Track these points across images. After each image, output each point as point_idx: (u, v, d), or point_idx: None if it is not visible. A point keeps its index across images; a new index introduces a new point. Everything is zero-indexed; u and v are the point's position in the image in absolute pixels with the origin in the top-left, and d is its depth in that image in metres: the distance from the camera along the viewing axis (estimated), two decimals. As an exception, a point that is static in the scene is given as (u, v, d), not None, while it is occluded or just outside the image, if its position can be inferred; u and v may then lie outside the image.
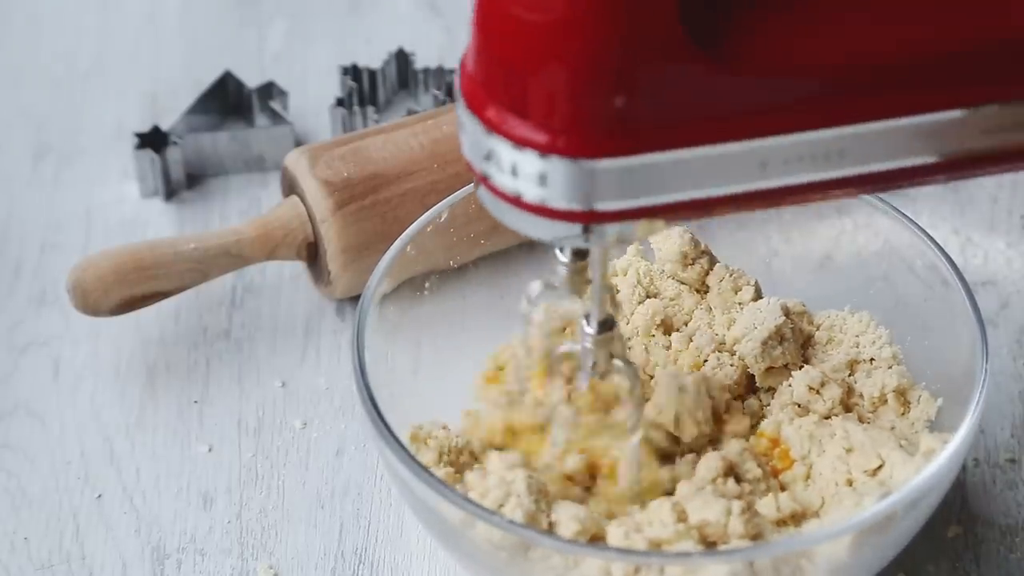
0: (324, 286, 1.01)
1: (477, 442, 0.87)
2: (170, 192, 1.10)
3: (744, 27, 0.71)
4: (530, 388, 0.86)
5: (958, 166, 0.75)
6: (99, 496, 0.93)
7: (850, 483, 0.84)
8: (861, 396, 0.89)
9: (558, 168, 0.71)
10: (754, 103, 0.72)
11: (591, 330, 0.80)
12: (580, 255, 0.79)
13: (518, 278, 0.95)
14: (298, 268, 1.04)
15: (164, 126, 1.12)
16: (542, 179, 0.71)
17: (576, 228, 0.72)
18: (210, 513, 0.93)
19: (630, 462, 0.83)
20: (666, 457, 0.86)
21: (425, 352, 0.91)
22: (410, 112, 1.11)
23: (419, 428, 0.86)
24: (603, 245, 0.75)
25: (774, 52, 0.72)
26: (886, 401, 0.89)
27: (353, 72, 1.13)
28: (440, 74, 1.14)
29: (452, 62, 1.17)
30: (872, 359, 0.90)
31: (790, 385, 0.89)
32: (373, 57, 1.17)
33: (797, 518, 0.84)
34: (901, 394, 0.89)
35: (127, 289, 0.97)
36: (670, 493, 0.84)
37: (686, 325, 0.93)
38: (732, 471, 0.84)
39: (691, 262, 0.93)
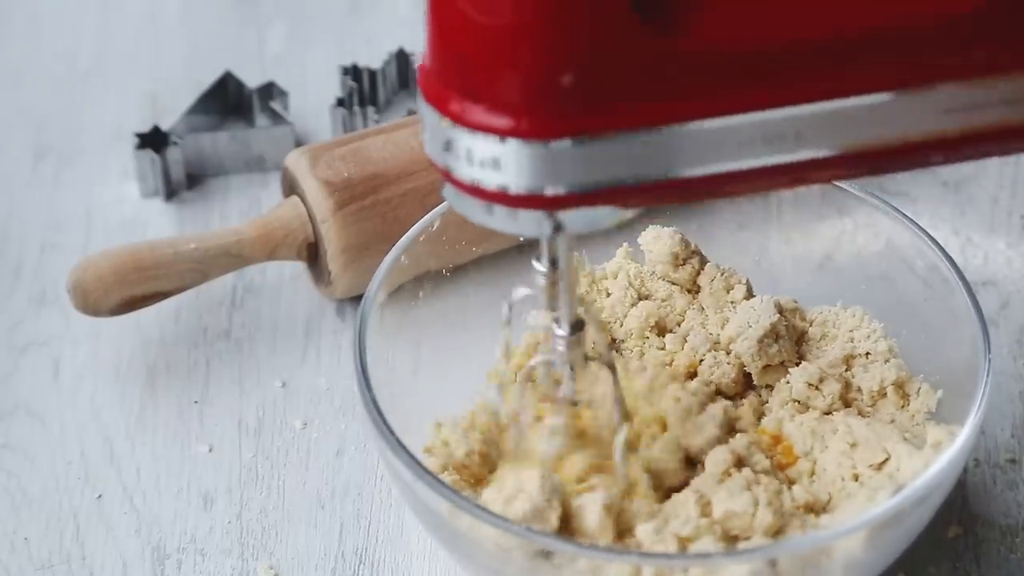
0: (324, 286, 1.01)
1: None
2: (170, 192, 1.10)
3: (691, 2, 0.71)
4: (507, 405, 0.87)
5: (917, 150, 0.74)
6: (99, 496, 0.93)
7: (856, 478, 0.84)
8: (859, 390, 0.89)
9: (515, 151, 0.70)
10: (703, 82, 0.71)
11: (563, 332, 0.80)
12: (556, 264, 0.79)
13: (518, 278, 0.95)
14: (298, 268, 1.04)
15: (164, 126, 1.12)
16: (500, 164, 0.71)
17: (539, 217, 0.72)
18: (210, 513, 0.92)
19: (619, 460, 0.83)
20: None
21: (425, 353, 0.91)
22: (410, 112, 1.11)
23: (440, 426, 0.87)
24: (570, 233, 0.74)
25: (721, 27, 0.71)
26: (885, 394, 0.89)
27: (353, 72, 1.13)
28: (440, 74, 1.14)
29: (452, 62, 1.17)
30: (868, 353, 0.90)
31: (788, 382, 0.89)
32: (373, 57, 1.17)
33: (812, 510, 0.83)
34: (900, 387, 0.89)
35: (127, 289, 0.97)
36: (675, 489, 0.84)
37: (679, 326, 0.93)
38: (742, 464, 0.84)
39: (682, 262, 0.93)
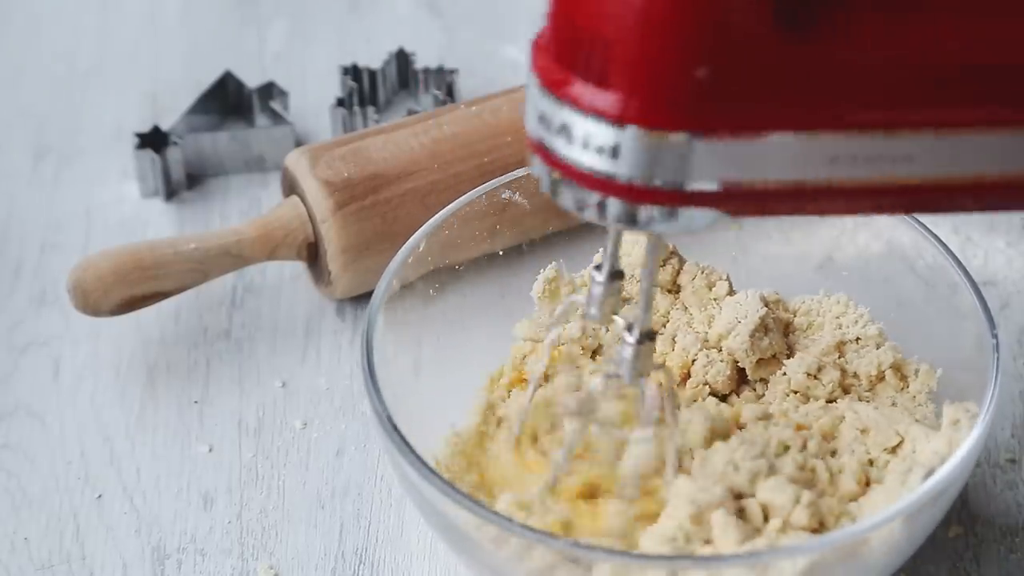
0: (324, 286, 1.01)
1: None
2: (170, 192, 1.10)
3: (837, 13, 0.70)
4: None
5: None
6: (99, 496, 0.93)
7: (871, 463, 0.84)
8: (856, 376, 0.89)
9: (632, 139, 0.69)
10: (834, 93, 0.70)
11: (632, 338, 0.79)
12: (617, 276, 0.79)
13: (518, 278, 0.95)
14: (298, 268, 1.04)
15: (164, 126, 1.12)
16: (614, 151, 0.70)
17: (634, 211, 0.71)
18: (210, 513, 0.92)
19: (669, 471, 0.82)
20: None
21: (426, 352, 0.91)
22: (410, 112, 1.11)
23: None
24: (667, 231, 0.73)
25: (864, 41, 0.70)
26: (883, 378, 0.89)
27: (353, 72, 1.13)
28: (440, 74, 1.14)
29: (452, 62, 1.17)
30: (858, 338, 0.90)
31: (784, 374, 0.89)
32: (373, 57, 1.17)
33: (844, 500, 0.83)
34: (898, 369, 0.89)
35: (127, 289, 0.97)
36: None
37: (664, 327, 0.92)
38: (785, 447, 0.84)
39: (662, 264, 0.93)
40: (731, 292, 0.93)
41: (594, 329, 0.91)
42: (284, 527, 0.92)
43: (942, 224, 1.05)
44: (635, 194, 0.71)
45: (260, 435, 0.96)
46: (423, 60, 1.17)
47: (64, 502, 0.93)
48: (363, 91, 1.13)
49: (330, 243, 0.99)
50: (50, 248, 1.07)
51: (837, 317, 0.91)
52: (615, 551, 0.79)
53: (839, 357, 0.90)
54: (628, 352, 0.79)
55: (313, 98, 1.15)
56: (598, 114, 0.70)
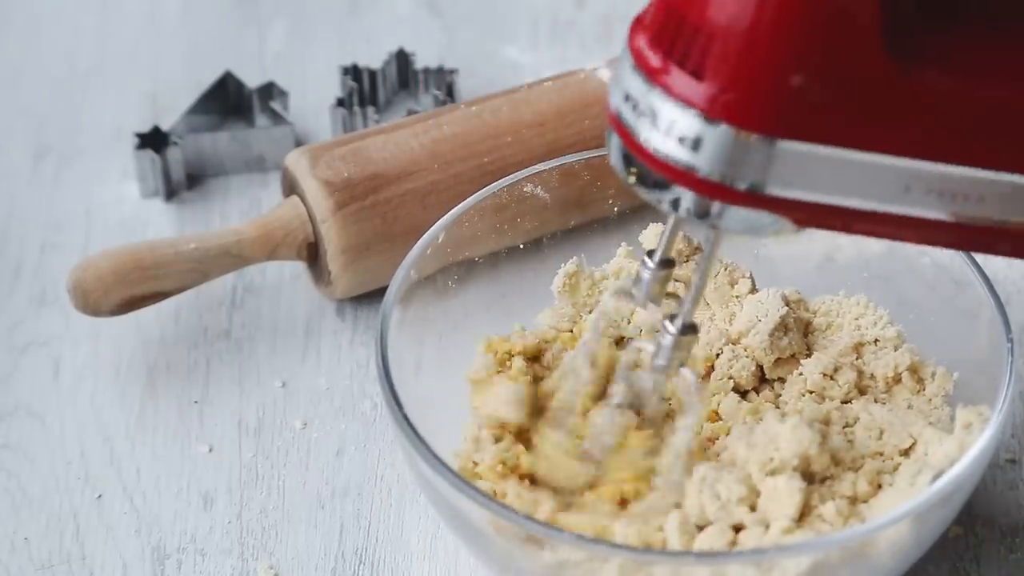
0: (324, 286, 1.01)
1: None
2: (170, 192, 1.10)
3: (946, 49, 0.71)
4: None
5: None
6: (99, 496, 0.93)
7: (883, 463, 0.84)
8: (873, 377, 0.89)
9: (718, 134, 0.70)
10: (926, 124, 0.71)
11: (674, 329, 0.79)
12: (667, 264, 0.79)
13: (519, 277, 0.95)
14: (298, 268, 1.04)
15: (164, 126, 1.12)
16: (696, 143, 0.70)
17: (706, 205, 0.72)
18: (210, 513, 0.92)
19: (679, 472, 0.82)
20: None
21: (427, 352, 0.91)
22: (410, 112, 1.11)
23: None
24: (732, 229, 0.74)
25: (966, 76, 0.71)
26: (900, 380, 0.89)
27: (353, 72, 1.13)
28: (440, 74, 1.14)
29: (452, 62, 1.17)
30: (876, 340, 0.90)
31: (801, 374, 0.89)
32: (373, 57, 1.17)
33: (853, 500, 0.83)
34: (915, 372, 0.89)
35: (127, 289, 0.97)
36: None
37: None
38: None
39: (685, 259, 0.93)
40: (753, 290, 0.93)
41: (616, 322, 0.91)
42: (284, 527, 0.92)
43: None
44: (709, 189, 0.72)
45: (260, 435, 0.96)
46: (423, 60, 1.17)
47: (64, 502, 0.93)
48: (363, 91, 1.13)
49: (330, 243, 0.99)
50: (50, 248, 1.07)
51: (856, 318, 0.91)
52: (615, 544, 0.79)
53: (857, 358, 0.90)
54: (668, 341, 0.80)
55: (313, 98, 1.15)
56: (688, 104, 0.70)
